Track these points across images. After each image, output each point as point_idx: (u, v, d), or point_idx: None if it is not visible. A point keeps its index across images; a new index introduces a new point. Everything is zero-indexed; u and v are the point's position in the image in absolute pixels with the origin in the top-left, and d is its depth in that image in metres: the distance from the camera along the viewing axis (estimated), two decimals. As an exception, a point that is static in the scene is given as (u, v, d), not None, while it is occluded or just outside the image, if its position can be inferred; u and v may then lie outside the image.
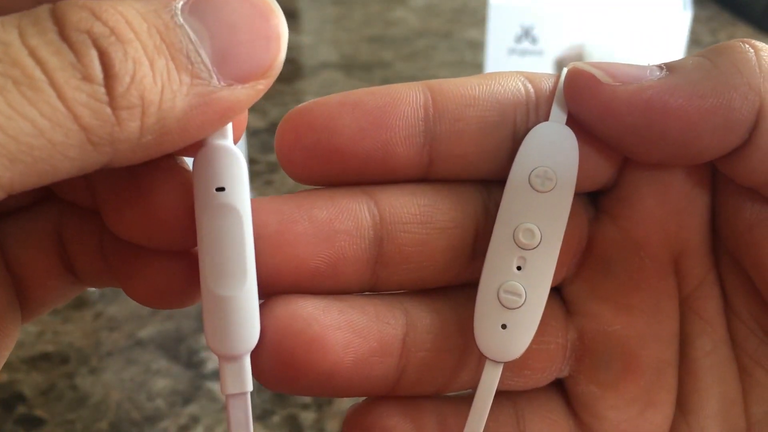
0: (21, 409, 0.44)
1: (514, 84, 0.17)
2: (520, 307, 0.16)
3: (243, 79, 0.14)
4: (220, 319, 0.15)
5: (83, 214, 0.18)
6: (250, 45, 0.14)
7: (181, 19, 0.13)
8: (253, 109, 0.94)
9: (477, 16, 1.31)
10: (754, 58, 0.15)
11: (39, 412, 0.44)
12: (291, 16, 0.81)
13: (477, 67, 1.00)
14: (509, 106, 0.16)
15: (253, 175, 0.73)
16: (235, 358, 0.15)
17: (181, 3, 0.13)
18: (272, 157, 0.83)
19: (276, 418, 0.44)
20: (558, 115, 0.16)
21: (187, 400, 0.45)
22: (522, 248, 0.16)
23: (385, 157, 0.16)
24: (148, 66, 0.12)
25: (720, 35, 0.92)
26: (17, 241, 0.18)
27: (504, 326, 0.16)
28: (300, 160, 0.17)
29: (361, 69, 1.13)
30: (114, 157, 0.13)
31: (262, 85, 0.14)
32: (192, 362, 0.48)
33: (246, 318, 0.15)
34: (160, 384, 0.46)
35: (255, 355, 0.15)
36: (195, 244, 0.15)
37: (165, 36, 0.13)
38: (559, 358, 0.19)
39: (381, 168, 0.16)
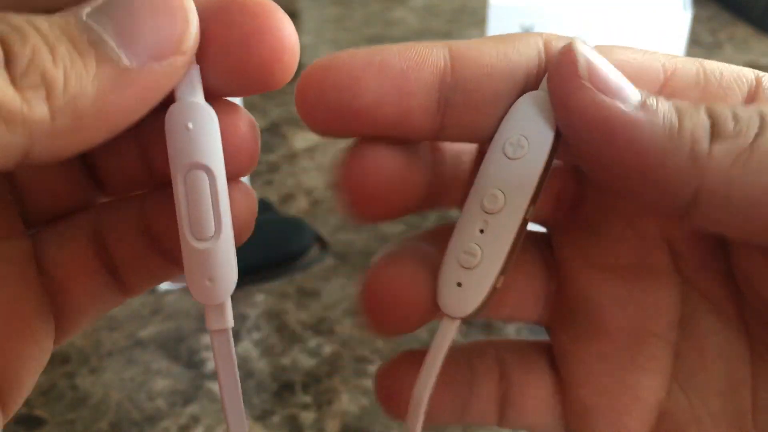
0: (21, 409, 0.44)
1: (530, 51, 0.17)
2: (475, 267, 0.17)
3: (156, 57, 0.14)
4: (200, 270, 0.16)
5: (121, 207, 0.18)
6: (154, 21, 0.14)
7: (85, 18, 0.14)
8: (253, 109, 0.94)
9: (477, 16, 1.31)
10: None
11: (39, 412, 0.45)
12: (291, 16, 0.81)
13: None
14: (522, 76, 0.17)
15: (254, 175, 0.73)
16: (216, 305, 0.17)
17: (88, 8, 0.14)
18: (272, 157, 0.83)
19: (276, 418, 0.44)
20: (545, 82, 0.16)
21: (187, 400, 0.45)
22: (486, 212, 0.17)
23: (401, 123, 0.16)
24: (47, 51, 0.13)
25: (720, 35, 0.92)
26: (55, 245, 0.18)
27: (459, 284, 0.17)
28: (320, 117, 0.17)
29: (361, 69, 1.13)
30: (32, 144, 0.13)
31: (180, 62, 0.14)
32: (192, 362, 0.48)
33: (224, 268, 0.16)
34: (161, 384, 0.46)
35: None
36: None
37: (66, 30, 0.13)
38: (534, 301, 0.20)
39: (395, 131, 0.17)
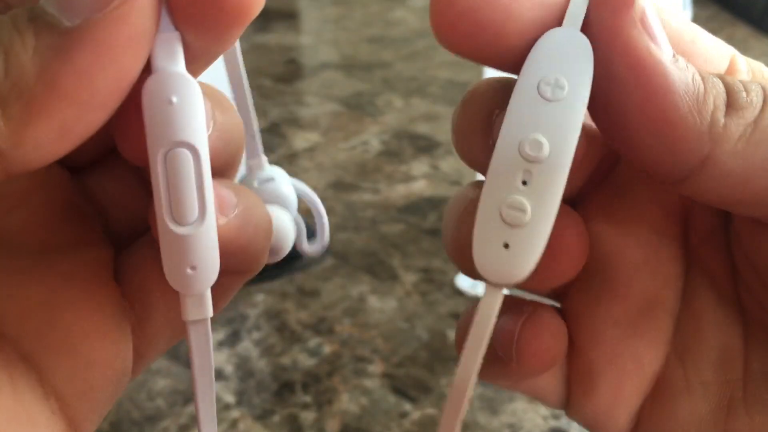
0: (21, 409, 0.44)
1: None
2: (525, 225, 0.15)
3: (95, 6, 0.12)
4: (181, 258, 0.15)
5: None
6: None
7: None
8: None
9: (477, 16, 1.31)
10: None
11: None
12: (291, 16, 0.81)
13: (478, 67, 1.00)
14: (557, 6, 0.16)
15: (253, 175, 0.73)
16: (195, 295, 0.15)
17: None
18: (272, 157, 0.83)
19: (276, 418, 0.44)
20: (574, 18, 0.15)
21: (187, 400, 0.45)
22: (528, 161, 0.15)
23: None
24: None
25: (720, 35, 0.92)
26: (132, 264, 0.17)
27: (506, 245, 0.15)
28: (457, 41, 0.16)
29: (361, 69, 1.13)
30: (1, 150, 0.12)
31: (129, 7, 0.13)
32: (192, 362, 0.48)
33: (208, 255, 0.15)
34: (161, 384, 0.46)
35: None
36: None
37: (9, 12, 0.12)
38: None
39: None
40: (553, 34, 0.15)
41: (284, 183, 0.22)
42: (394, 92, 1.01)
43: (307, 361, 0.48)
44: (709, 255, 0.19)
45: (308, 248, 0.23)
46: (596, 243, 0.20)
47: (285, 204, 0.22)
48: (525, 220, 0.15)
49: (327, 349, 0.49)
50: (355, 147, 0.83)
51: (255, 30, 1.25)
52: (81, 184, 0.17)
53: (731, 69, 0.17)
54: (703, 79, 0.15)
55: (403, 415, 0.44)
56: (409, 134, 0.86)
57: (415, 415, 0.44)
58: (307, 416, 0.43)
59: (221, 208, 0.15)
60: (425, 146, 0.83)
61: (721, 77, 0.15)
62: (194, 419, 0.44)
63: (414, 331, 0.51)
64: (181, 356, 0.49)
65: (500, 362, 0.19)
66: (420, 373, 0.47)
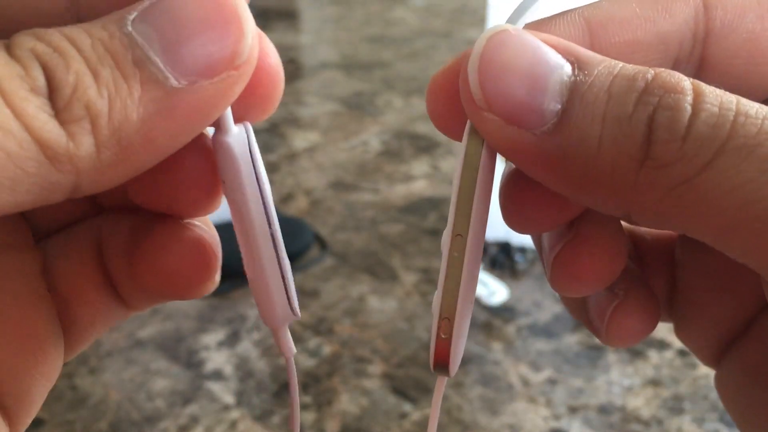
0: (21, 410, 0.44)
1: (685, 13, 0.14)
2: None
3: (206, 74, 0.13)
4: (260, 297, 0.17)
5: (117, 220, 0.18)
6: (204, 35, 0.13)
7: (130, 28, 0.12)
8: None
9: (477, 16, 1.31)
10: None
11: (38, 412, 0.45)
12: (291, 16, 0.81)
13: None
14: (675, 45, 0.15)
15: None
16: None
17: (134, 14, 0.13)
18: (273, 157, 0.83)
19: (276, 419, 0.44)
20: None
21: (186, 400, 0.45)
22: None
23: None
24: (91, 77, 0.12)
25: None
26: (60, 256, 0.17)
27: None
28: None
29: (361, 69, 1.13)
30: (79, 179, 0.12)
31: (234, 77, 0.13)
32: (192, 362, 0.48)
33: (272, 297, 0.17)
34: (160, 384, 0.46)
35: None
36: (212, 211, 0.17)
37: (109, 46, 0.12)
38: None
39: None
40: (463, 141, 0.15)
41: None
42: (394, 92, 1.01)
43: (306, 362, 0.48)
44: None
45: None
46: None
47: None
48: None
49: (327, 349, 0.49)
50: (355, 147, 0.83)
51: (255, 30, 1.24)
52: None
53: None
54: (605, 116, 0.13)
55: (403, 415, 0.43)
56: (409, 134, 0.86)
57: (415, 415, 0.44)
58: (307, 417, 0.43)
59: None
60: (425, 146, 0.82)
61: (659, 106, 0.12)
62: (193, 420, 0.45)
63: (414, 331, 0.51)
64: (181, 357, 0.49)
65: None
66: (420, 373, 0.47)
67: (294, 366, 0.18)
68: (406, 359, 0.48)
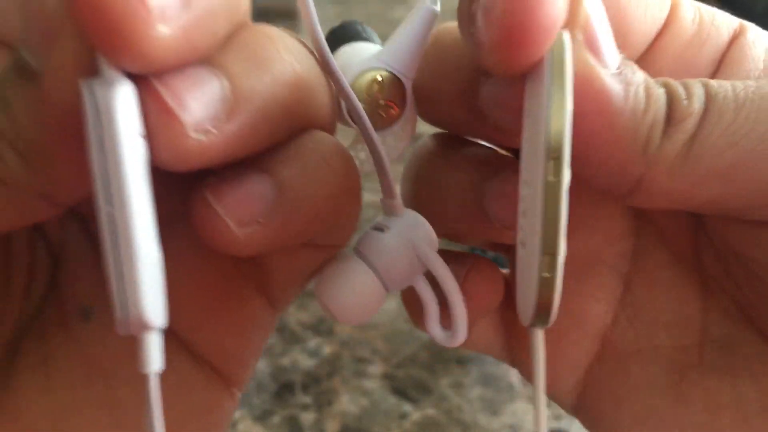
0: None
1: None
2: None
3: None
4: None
5: None
6: None
7: None
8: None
9: (477, 16, 1.31)
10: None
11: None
12: (291, 16, 0.81)
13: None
14: None
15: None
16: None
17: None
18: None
19: (276, 418, 0.43)
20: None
21: (186, 401, 0.45)
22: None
23: None
24: None
25: (720, 35, 0.91)
26: None
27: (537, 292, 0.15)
28: None
29: (361, 69, 1.13)
30: (44, 191, 0.13)
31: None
32: (192, 363, 0.48)
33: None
34: (160, 384, 0.46)
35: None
36: None
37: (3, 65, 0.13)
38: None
39: None
40: (539, 69, 0.14)
41: (398, 243, 0.17)
42: (394, 92, 1.01)
43: (306, 362, 0.48)
44: (663, 215, 0.18)
45: (437, 333, 0.17)
46: None
47: (381, 268, 0.17)
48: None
49: (327, 349, 0.49)
50: (355, 147, 0.83)
51: (255, 30, 1.24)
52: None
53: (672, 16, 0.16)
54: (647, 91, 0.14)
55: (403, 416, 0.43)
56: (409, 134, 0.86)
57: (416, 416, 0.44)
58: (307, 417, 0.43)
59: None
60: (425, 146, 0.82)
61: (667, 84, 0.14)
62: (194, 420, 0.44)
63: (414, 332, 0.51)
64: (181, 357, 0.49)
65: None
66: (420, 374, 0.47)
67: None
68: (406, 359, 0.48)
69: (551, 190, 0.13)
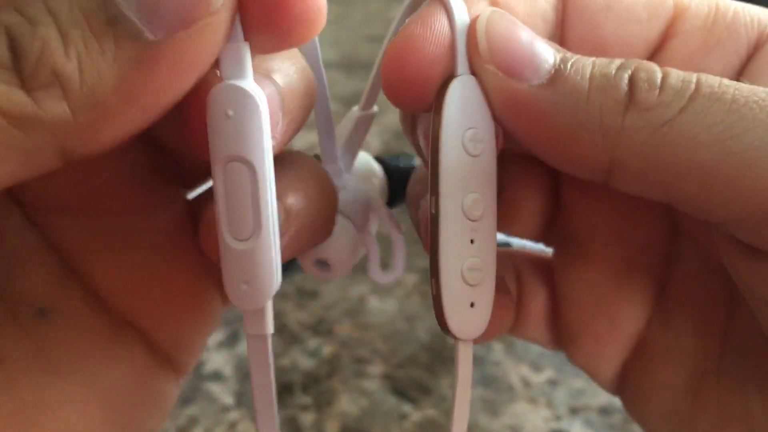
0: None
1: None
2: (482, 282, 0.16)
3: (184, 24, 0.12)
4: (236, 272, 0.15)
5: None
6: None
7: None
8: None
9: (477, 16, 1.31)
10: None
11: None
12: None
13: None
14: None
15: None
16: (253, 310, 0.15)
17: None
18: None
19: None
20: (463, 62, 0.15)
21: (186, 401, 0.45)
22: (473, 221, 0.16)
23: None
24: (59, 41, 0.12)
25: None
26: (203, 206, 0.18)
27: (472, 305, 0.16)
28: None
29: (361, 68, 1.13)
30: (62, 143, 0.12)
31: (212, 24, 0.13)
32: (191, 363, 0.48)
33: (262, 270, 0.15)
34: (159, 385, 0.46)
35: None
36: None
37: (84, 7, 0.12)
38: (536, 220, 0.21)
39: None
40: (458, 82, 0.16)
41: (355, 192, 0.22)
42: (394, 92, 1.01)
43: (306, 362, 0.48)
44: (697, 224, 0.19)
45: (379, 275, 0.22)
46: (572, 207, 0.20)
47: (350, 214, 0.21)
48: (481, 278, 0.16)
49: (326, 350, 0.49)
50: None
51: (255, 29, 1.24)
52: (150, 138, 0.18)
53: (678, 13, 0.16)
54: (592, 79, 0.14)
55: (403, 416, 0.43)
56: (409, 134, 0.86)
57: (416, 416, 0.44)
58: (307, 417, 0.43)
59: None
60: (425, 146, 0.82)
61: (636, 69, 0.14)
62: (193, 420, 0.44)
63: (414, 332, 0.51)
64: (180, 357, 0.49)
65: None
66: (420, 374, 0.47)
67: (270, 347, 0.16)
68: (406, 360, 0.48)
69: (433, 222, 0.15)
